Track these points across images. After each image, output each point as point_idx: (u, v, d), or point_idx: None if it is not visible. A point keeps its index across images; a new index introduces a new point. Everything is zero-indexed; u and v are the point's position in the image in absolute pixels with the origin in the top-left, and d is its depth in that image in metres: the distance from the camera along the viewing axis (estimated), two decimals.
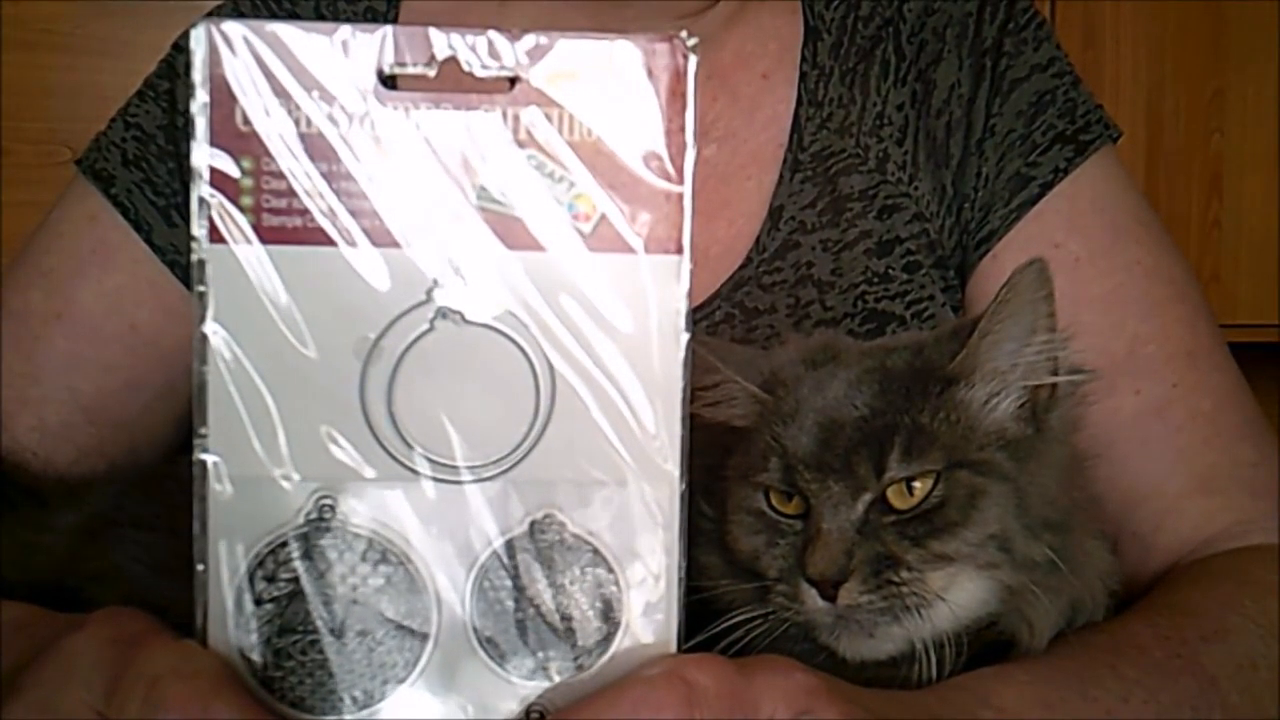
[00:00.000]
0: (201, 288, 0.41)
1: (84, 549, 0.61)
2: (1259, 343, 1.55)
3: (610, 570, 0.43)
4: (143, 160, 0.80)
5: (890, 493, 0.53)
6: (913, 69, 0.80)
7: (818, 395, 0.56)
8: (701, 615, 0.51)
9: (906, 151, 0.79)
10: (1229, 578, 0.66)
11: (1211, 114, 1.84)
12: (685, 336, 0.43)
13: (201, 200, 0.41)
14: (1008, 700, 0.51)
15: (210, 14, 0.78)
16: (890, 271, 0.77)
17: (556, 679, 0.42)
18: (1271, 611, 0.62)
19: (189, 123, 0.41)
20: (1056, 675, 0.53)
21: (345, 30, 0.41)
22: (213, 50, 0.41)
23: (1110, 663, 0.55)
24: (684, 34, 0.42)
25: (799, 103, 0.80)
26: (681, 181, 0.43)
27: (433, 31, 0.42)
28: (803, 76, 0.80)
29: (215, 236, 0.41)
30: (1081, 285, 0.74)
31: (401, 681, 0.42)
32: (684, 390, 0.43)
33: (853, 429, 0.54)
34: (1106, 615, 0.59)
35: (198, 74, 0.41)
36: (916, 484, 0.53)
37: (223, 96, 0.41)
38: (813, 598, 0.52)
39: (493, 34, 0.42)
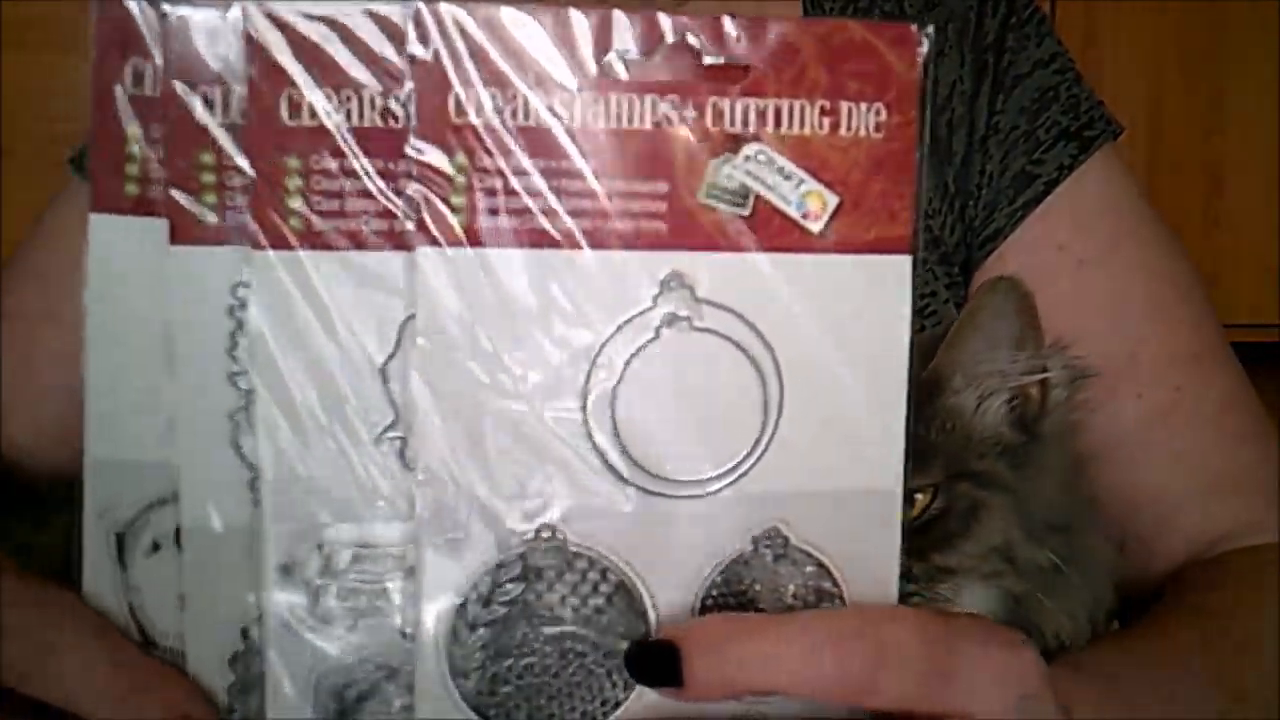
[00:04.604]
0: (405, 292, 0.37)
1: None
2: (1259, 343, 1.55)
3: (835, 584, 0.40)
4: None
5: None
6: None
7: None
8: None
9: None
10: (1248, 578, 0.65)
11: (1211, 114, 1.83)
12: (909, 340, 0.40)
13: (410, 198, 0.37)
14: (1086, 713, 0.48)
15: None
16: None
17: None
18: None
19: (402, 114, 0.37)
20: (1112, 691, 0.51)
21: (567, 13, 0.37)
22: (422, 33, 0.36)
23: (1158, 679, 0.53)
24: (914, 26, 0.40)
25: None
26: (912, 179, 0.40)
27: (660, 15, 0.38)
28: None
29: (425, 238, 0.37)
30: (1085, 287, 0.73)
31: (620, 703, 0.39)
32: (907, 396, 0.40)
33: None
34: (1109, 611, 0.58)
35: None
36: (918, 495, 0.52)
37: (433, 86, 0.37)
38: None
39: (725, 19, 0.38)
